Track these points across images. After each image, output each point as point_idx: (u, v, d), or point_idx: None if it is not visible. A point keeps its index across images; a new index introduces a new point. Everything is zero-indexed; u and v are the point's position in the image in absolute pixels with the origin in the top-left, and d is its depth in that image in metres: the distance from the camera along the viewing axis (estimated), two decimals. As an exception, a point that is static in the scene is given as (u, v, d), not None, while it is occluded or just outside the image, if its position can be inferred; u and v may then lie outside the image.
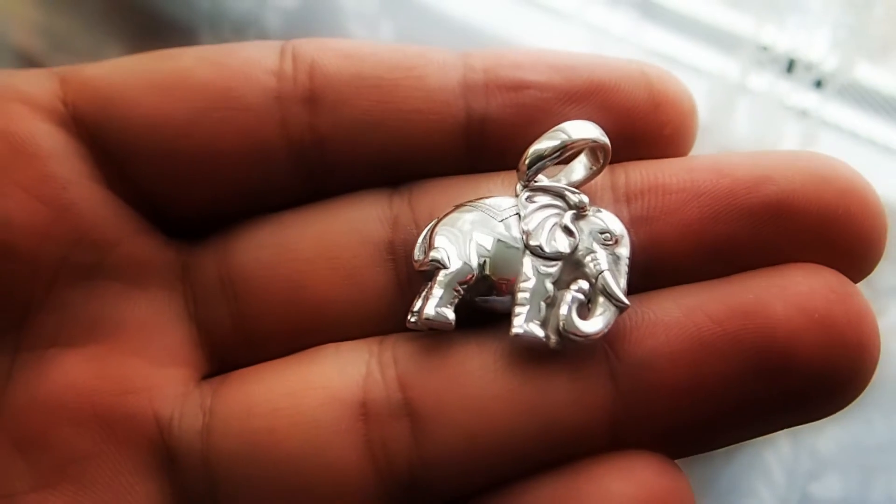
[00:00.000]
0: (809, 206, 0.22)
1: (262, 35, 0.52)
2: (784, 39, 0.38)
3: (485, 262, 0.23)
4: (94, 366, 0.24)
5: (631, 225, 0.23)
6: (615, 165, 0.24)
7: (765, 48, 0.39)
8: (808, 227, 0.22)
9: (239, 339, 0.25)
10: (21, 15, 0.64)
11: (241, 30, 0.53)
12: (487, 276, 0.23)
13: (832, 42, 0.37)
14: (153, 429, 0.24)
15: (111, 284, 0.24)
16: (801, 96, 0.38)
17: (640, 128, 0.24)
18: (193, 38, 0.55)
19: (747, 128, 0.39)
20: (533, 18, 0.47)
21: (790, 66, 0.39)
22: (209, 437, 0.23)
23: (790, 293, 0.21)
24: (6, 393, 0.24)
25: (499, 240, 0.23)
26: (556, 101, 0.24)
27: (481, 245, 0.23)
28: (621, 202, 0.23)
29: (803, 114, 0.39)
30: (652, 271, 0.23)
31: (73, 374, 0.24)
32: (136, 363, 0.24)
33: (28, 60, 0.64)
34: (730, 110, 0.39)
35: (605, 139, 0.23)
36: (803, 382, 0.21)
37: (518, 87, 0.24)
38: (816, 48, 0.38)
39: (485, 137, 0.25)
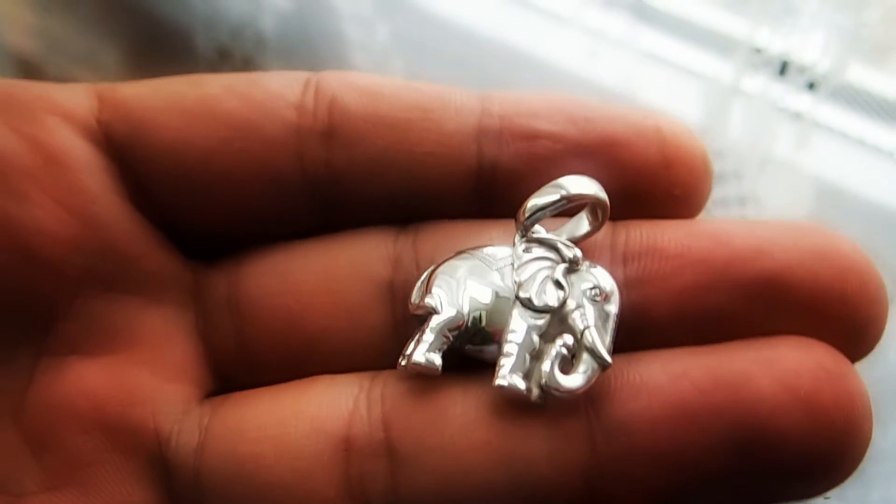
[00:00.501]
0: (804, 283, 0.22)
1: (258, 37, 0.52)
2: (778, 42, 0.38)
3: (480, 314, 0.23)
4: (107, 375, 0.25)
5: (625, 286, 0.23)
6: (618, 223, 0.24)
7: (758, 50, 0.39)
8: (802, 304, 0.22)
9: (240, 360, 0.26)
10: (16, 17, 0.64)
11: (237, 32, 0.53)
12: (482, 328, 0.23)
13: (826, 44, 0.37)
14: (153, 442, 0.24)
15: (130, 297, 0.25)
16: (795, 99, 0.38)
17: (649, 186, 0.24)
18: (189, 41, 0.55)
19: (741, 130, 0.40)
20: (528, 21, 0.47)
21: (784, 69, 0.39)
22: (201, 456, 0.24)
23: (777, 368, 0.21)
24: (27, 394, 0.24)
25: (494, 290, 0.23)
26: (568, 153, 0.24)
27: (474, 295, 0.23)
28: (618, 262, 0.24)
29: (797, 116, 0.39)
30: (641, 333, 0.23)
31: (87, 381, 0.25)
32: (146, 376, 0.25)
33: (23, 62, 0.64)
34: (724, 113, 0.39)
35: (604, 196, 0.23)
36: (784, 462, 0.21)
37: (532, 136, 0.24)
38: (810, 51, 0.38)
39: (494, 184, 0.25)
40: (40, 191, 0.24)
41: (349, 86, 0.25)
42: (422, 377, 0.23)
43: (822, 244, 0.22)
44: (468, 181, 0.25)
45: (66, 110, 0.25)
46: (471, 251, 0.24)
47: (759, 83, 0.39)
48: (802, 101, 0.39)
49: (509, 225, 0.24)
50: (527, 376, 0.22)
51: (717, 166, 0.39)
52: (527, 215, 0.23)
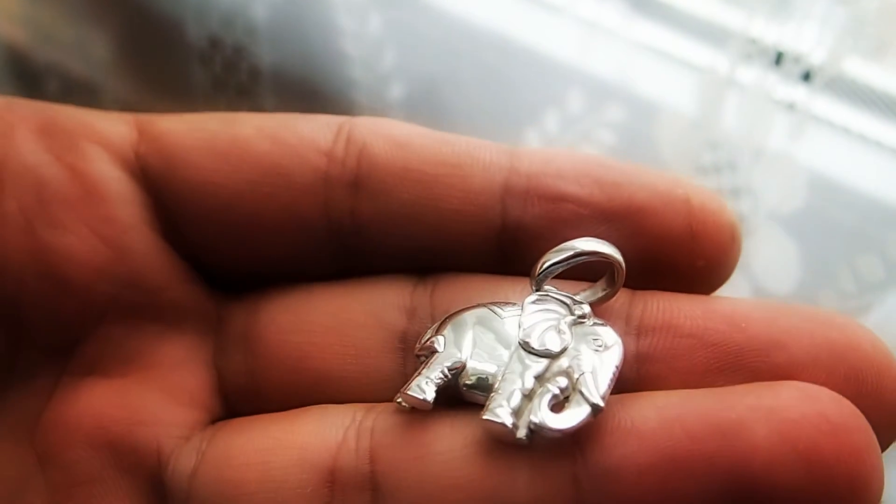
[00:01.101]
0: (820, 378, 0.21)
1: (249, 27, 0.52)
2: (773, 32, 0.38)
3: (482, 364, 0.23)
4: (117, 396, 0.25)
5: (635, 362, 0.23)
6: (637, 293, 0.24)
7: (753, 41, 0.39)
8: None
9: (249, 392, 0.26)
10: (3, 5, 0.63)
11: (228, 21, 0.52)
12: (481, 374, 0.23)
13: (821, 35, 0.37)
14: (154, 462, 0.24)
15: (152, 325, 0.26)
16: (790, 90, 0.38)
17: (673, 257, 0.24)
18: (179, 30, 0.54)
19: (735, 121, 0.39)
20: (522, 11, 0.47)
21: (779, 59, 0.39)
22: (194, 481, 0.24)
23: (776, 418, 0.20)
24: (43, 412, 0.25)
25: (490, 332, 0.23)
26: (592, 218, 0.24)
27: (476, 338, 0.23)
28: (632, 334, 0.23)
29: (791, 107, 0.39)
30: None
31: (97, 401, 0.25)
32: (155, 398, 0.25)
33: (12, 51, 0.64)
34: (718, 104, 0.39)
35: (619, 257, 0.23)
36: None
37: (558, 198, 0.24)
38: (805, 41, 0.38)
39: (517, 244, 0.25)
40: (77, 219, 0.25)
41: (380, 135, 0.25)
42: (414, 411, 0.23)
43: (839, 338, 0.21)
44: (491, 239, 0.25)
45: (107, 140, 0.26)
46: (486, 305, 0.24)
47: (754, 74, 0.39)
48: (797, 93, 0.39)
49: (525, 281, 0.24)
50: (516, 414, 0.22)
51: (710, 157, 0.39)
52: (539, 269, 0.23)
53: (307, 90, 0.51)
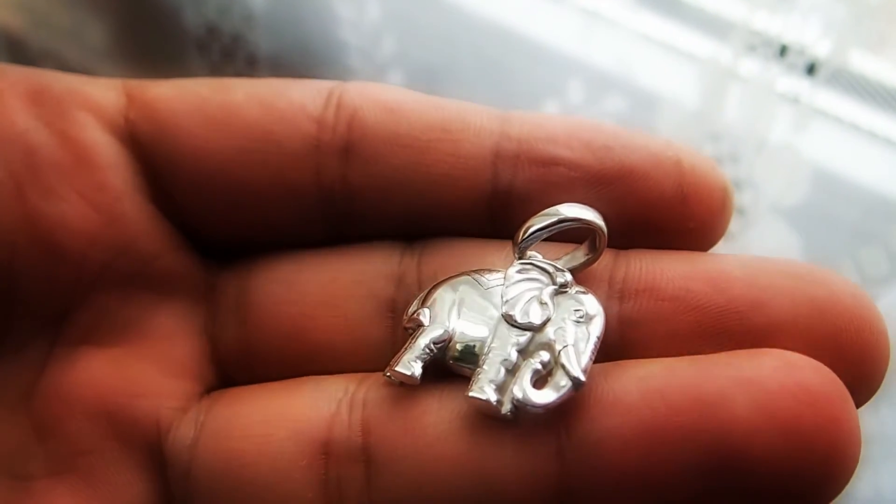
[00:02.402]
0: (803, 338, 0.21)
1: (246, 14, 0.52)
2: (776, 25, 0.38)
3: (468, 337, 0.23)
4: (113, 367, 0.25)
5: (619, 326, 0.23)
6: (620, 252, 0.24)
7: (756, 33, 0.38)
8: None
9: (242, 361, 0.26)
10: (0, -9, 0.62)
11: (225, 8, 0.52)
12: (468, 346, 0.23)
13: (825, 29, 0.37)
14: (153, 433, 0.25)
15: (145, 294, 0.26)
16: (793, 82, 0.38)
17: (664, 219, 0.24)
18: (177, 17, 0.54)
19: (738, 113, 0.39)
20: (523, 1, 0.47)
21: (782, 52, 0.38)
22: (194, 451, 0.24)
23: (755, 389, 0.20)
24: (38, 382, 0.25)
25: (474, 301, 0.24)
26: (583, 181, 0.24)
27: (461, 309, 0.23)
28: (614, 299, 0.23)
29: (794, 100, 0.38)
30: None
31: (93, 371, 0.25)
32: (150, 369, 0.25)
33: (8, 37, 0.63)
34: (721, 96, 0.39)
35: (601, 223, 0.23)
36: (757, 489, 0.20)
37: (549, 162, 0.24)
38: (809, 34, 0.38)
39: (508, 208, 0.25)
40: (68, 186, 0.24)
41: (371, 100, 0.25)
42: (403, 385, 0.23)
43: (820, 295, 0.21)
44: (481, 203, 0.25)
45: (97, 106, 0.25)
46: (470, 273, 0.24)
47: (757, 66, 0.39)
48: (801, 86, 0.38)
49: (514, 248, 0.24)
50: (500, 390, 0.22)
51: (712, 149, 0.39)
52: (522, 236, 0.23)
53: (305, 79, 0.51)
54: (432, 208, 0.25)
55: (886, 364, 0.21)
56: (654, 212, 0.24)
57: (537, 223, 0.23)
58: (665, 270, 0.23)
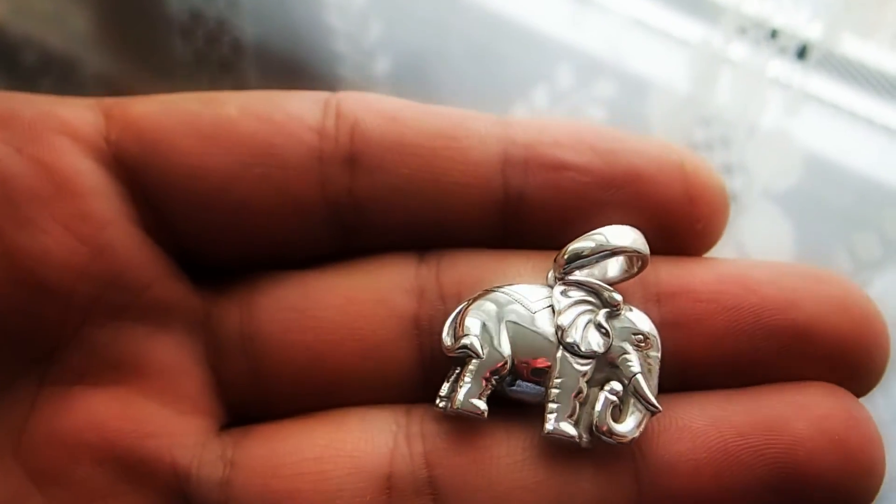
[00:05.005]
0: (831, 333, 0.23)
1: (231, 1, 0.51)
2: (767, 8, 0.38)
3: (522, 358, 0.23)
4: (116, 406, 0.24)
5: (661, 327, 0.23)
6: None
7: (747, 18, 0.38)
8: (827, 352, 0.23)
9: (256, 396, 0.25)
10: (-21, -24, 0.61)
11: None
12: (523, 371, 0.23)
13: (815, 13, 0.37)
14: (170, 474, 0.24)
15: (138, 326, 0.24)
16: (784, 67, 0.38)
17: (674, 221, 0.24)
18: (160, 3, 0.53)
19: (729, 98, 0.39)
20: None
21: (773, 36, 0.38)
22: (229, 490, 0.23)
23: (811, 413, 0.22)
24: (28, 425, 0.24)
25: (526, 328, 0.23)
26: (595, 186, 0.24)
27: (512, 335, 0.23)
28: (651, 302, 0.24)
29: (785, 85, 0.38)
30: (680, 374, 0.23)
31: (96, 412, 0.24)
32: (157, 408, 0.24)
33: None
34: (711, 80, 0.39)
35: (646, 249, 0.23)
36: (819, 499, 0.22)
37: (558, 167, 0.24)
38: (800, 18, 0.37)
39: (521, 215, 0.25)
40: (48, 217, 0.23)
41: (371, 109, 0.25)
42: (461, 418, 0.23)
43: (841, 296, 0.23)
44: (494, 212, 0.25)
45: (73, 129, 0.24)
46: (502, 289, 0.24)
47: (748, 51, 0.39)
48: (792, 70, 0.38)
49: (532, 256, 0.25)
50: (576, 423, 0.23)
51: (703, 134, 0.38)
52: (566, 260, 0.23)
53: (291, 64, 0.50)
54: (443, 217, 0.25)
55: (888, 355, 0.23)
56: (663, 214, 0.24)
57: (584, 249, 0.23)
58: (696, 274, 0.24)
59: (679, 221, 0.24)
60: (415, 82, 0.47)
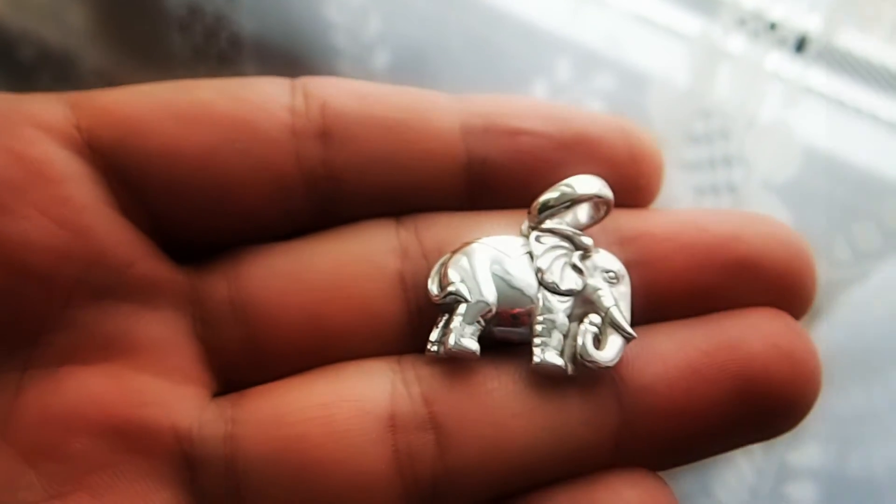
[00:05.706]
0: (771, 264, 0.26)
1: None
2: (766, 1, 0.38)
3: (506, 299, 0.25)
4: (109, 381, 0.25)
5: (626, 265, 0.26)
6: None
7: (746, 10, 0.38)
8: (769, 281, 0.26)
9: (249, 361, 0.26)
10: (-23, -29, 0.61)
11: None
12: (507, 311, 0.25)
13: (814, 5, 0.37)
14: (170, 438, 0.24)
15: (123, 305, 0.25)
16: (783, 59, 0.38)
17: (620, 177, 0.27)
18: (160, 0, 0.53)
19: (728, 91, 0.39)
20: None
21: (772, 28, 0.38)
22: (235, 444, 0.24)
23: (762, 333, 0.25)
24: (15, 408, 0.24)
25: (507, 272, 0.25)
26: (550, 148, 0.27)
27: (498, 282, 0.25)
28: (615, 245, 0.27)
29: (784, 79, 0.38)
30: (647, 309, 0.26)
31: (88, 387, 0.24)
32: (151, 379, 0.25)
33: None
34: (710, 72, 0.39)
35: (609, 194, 0.26)
36: (773, 405, 0.25)
37: (514, 133, 0.27)
38: (798, 10, 0.37)
39: (485, 178, 0.27)
40: (25, 203, 0.24)
41: (337, 89, 0.26)
42: (453, 360, 0.25)
43: (778, 232, 0.27)
44: (460, 176, 0.27)
45: (42, 120, 0.25)
46: (481, 241, 0.25)
47: (747, 44, 0.39)
48: (791, 64, 0.38)
49: (502, 216, 0.27)
50: (561, 353, 0.25)
51: (703, 126, 0.38)
52: (538, 210, 0.26)
53: (290, 58, 0.50)
54: (414, 183, 0.26)
55: (816, 284, 0.27)
56: (612, 171, 0.27)
57: (551, 198, 0.26)
58: (653, 220, 0.27)
59: (624, 178, 0.27)
60: (414, 76, 0.47)
